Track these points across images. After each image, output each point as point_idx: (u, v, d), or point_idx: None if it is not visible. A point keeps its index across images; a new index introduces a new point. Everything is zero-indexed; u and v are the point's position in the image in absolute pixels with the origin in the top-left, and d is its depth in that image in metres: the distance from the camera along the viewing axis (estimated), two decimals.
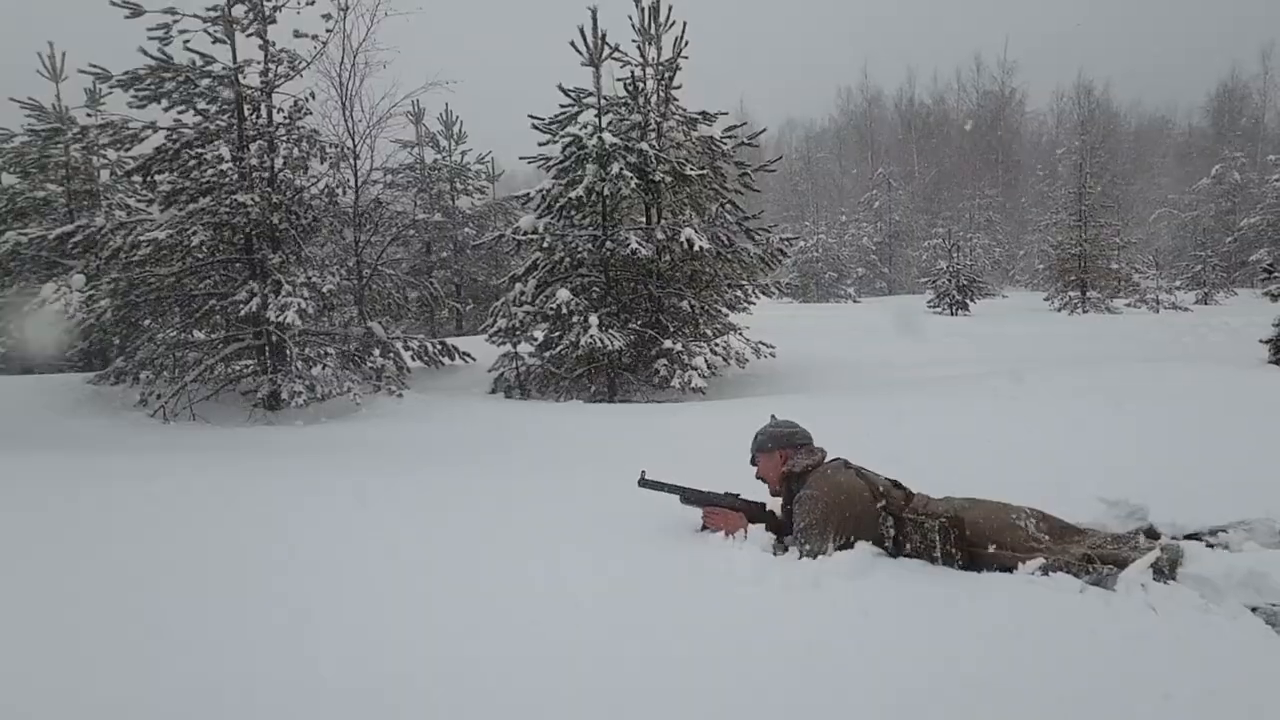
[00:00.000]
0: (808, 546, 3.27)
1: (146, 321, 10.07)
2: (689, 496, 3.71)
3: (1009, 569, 3.03)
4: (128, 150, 9.60)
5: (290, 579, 3.26)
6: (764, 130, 12.24)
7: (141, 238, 8.97)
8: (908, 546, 3.25)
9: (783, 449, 3.68)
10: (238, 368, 10.19)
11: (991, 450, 5.12)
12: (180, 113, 9.43)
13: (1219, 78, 54.76)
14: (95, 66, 9.25)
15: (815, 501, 3.34)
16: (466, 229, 19.64)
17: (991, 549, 3.10)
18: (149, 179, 9.62)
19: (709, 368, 10.09)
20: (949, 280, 26.04)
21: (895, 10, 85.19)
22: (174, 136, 9.32)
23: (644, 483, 3.75)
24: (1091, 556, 2.96)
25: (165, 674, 2.45)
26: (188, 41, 9.11)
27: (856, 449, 3.81)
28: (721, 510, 3.64)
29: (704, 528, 3.63)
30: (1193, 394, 6.79)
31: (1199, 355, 10.63)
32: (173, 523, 4.08)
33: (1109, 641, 2.52)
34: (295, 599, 3.04)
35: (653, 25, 10.94)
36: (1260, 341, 9.43)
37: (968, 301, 25.83)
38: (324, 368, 9.22)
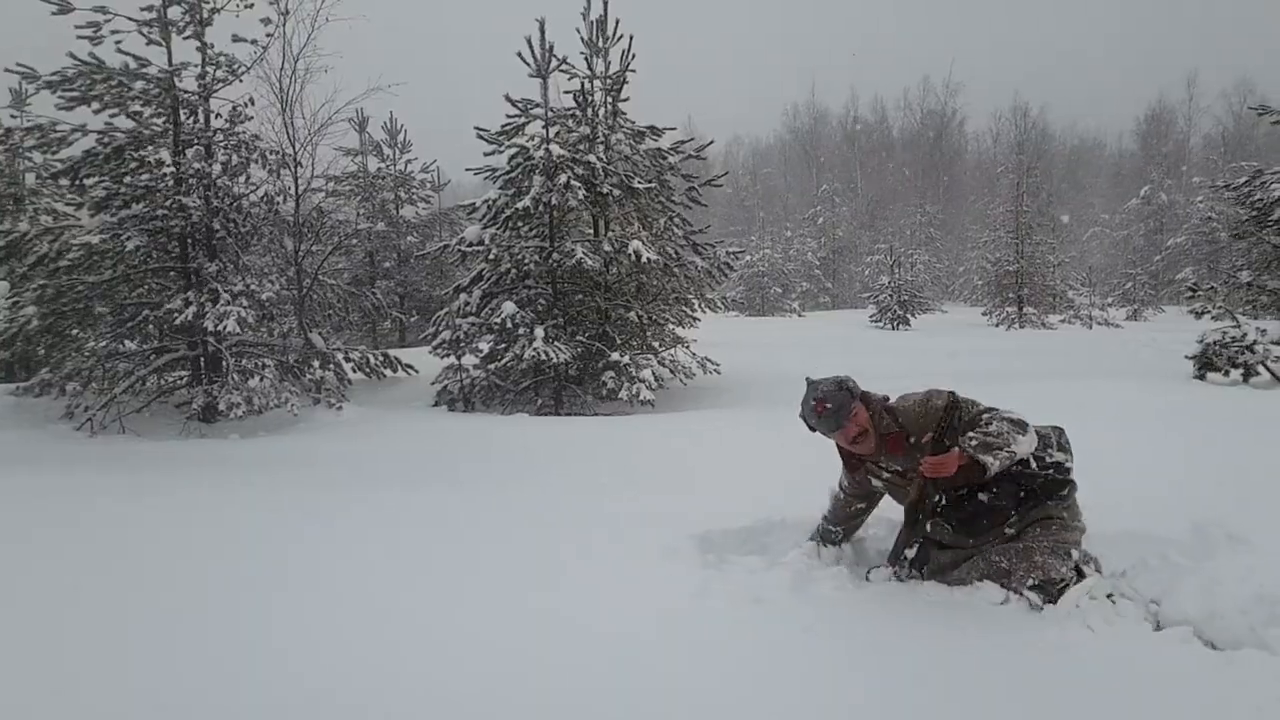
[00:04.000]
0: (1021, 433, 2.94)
1: (75, 331, 9.70)
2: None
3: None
4: (55, 153, 9.27)
5: (250, 596, 3.16)
6: (711, 143, 12.31)
7: (72, 242, 8.67)
8: None
9: (857, 395, 3.20)
10: (171, 379, 9.90)
11: None
12: (112, 115, 9.15)
13: (1148, 103, 56.79)
14: (21, 66, 8.92)
15: (972, 403, 3.15)
16: (411, 238, 19.42)
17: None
18: (78, 183, 9.31)
19: (656, 380, 10.09)
20: (891, 295, 26.47)
21: (841, 30, 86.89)
22: (105, 140, 9.04)
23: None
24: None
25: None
26: (120, 43, 8.86)
27: (803, 461, 3.83)
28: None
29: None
30: (1126, 409, 6.97)
31: (1128, 371, 10.95)
32: (110, 550, 3.93)
33: (1047, 658, 2.56)
34: (251, 617, 2.95)
35: (600, 38, 10.95)
36: (1186, 358, 9.75)
37: (909, 316, 26.28)
38: (262, 379, 8.99)
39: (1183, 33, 73.21)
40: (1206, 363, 9.50)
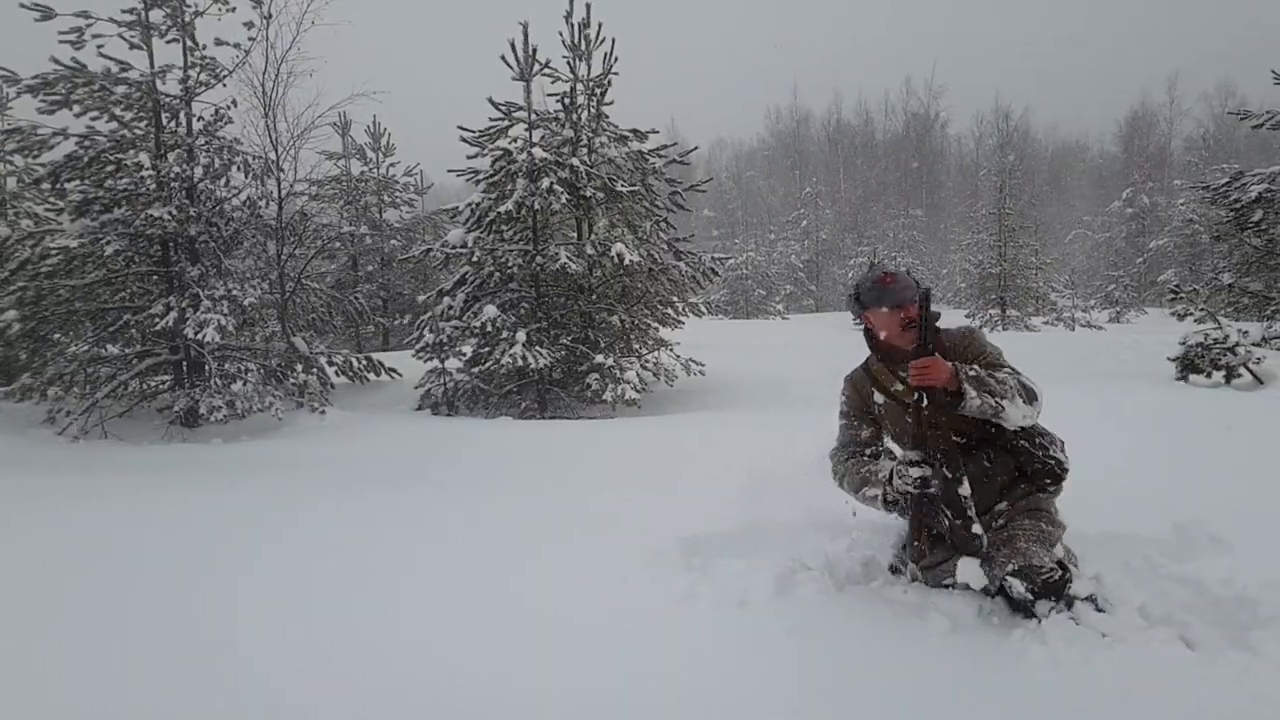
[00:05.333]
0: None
1: (56, 335, 9.61)
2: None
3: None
4: (36, 157, 9.19)
5: (242, 602, 3.13)
6: (695, 149, 12.32)
7: (50, 247, 8.60)
8: None
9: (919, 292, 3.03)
10: (153, 383, 9.83)
11: None
12: (94, 119, 9.08)
13: (1129, 106, 57.29)
14: (2, 69, 8.85)
15: (999, 352, 3.07)
16: (394, 242, 19.35)
17: None
18: (58, 187, 9.23)
19: (641, 382, 10.08)
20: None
21: (824, 33, 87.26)
22: (86, 144, 8.97)
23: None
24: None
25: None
26: (101, 47, 8.80)
27: (788, 463, 3.83)
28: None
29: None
30: (1108, 411, 7.01)
31: (1111, 373, 11.01)
32: (108, 551, 3.90)
33: (1029, 660, 2.56)
34: (246, 621, 2.92)
35: (583, 42, 10.95)
36: (1168, 359, 9.82)
37: None
38: (245, 384, 8.93)
39: (1163, 35, 74.01)
40: (1189, 365, 9.57)
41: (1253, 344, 9.51)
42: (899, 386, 3.11)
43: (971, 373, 2.78)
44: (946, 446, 2.86)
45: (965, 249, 32.17)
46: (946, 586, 3.00)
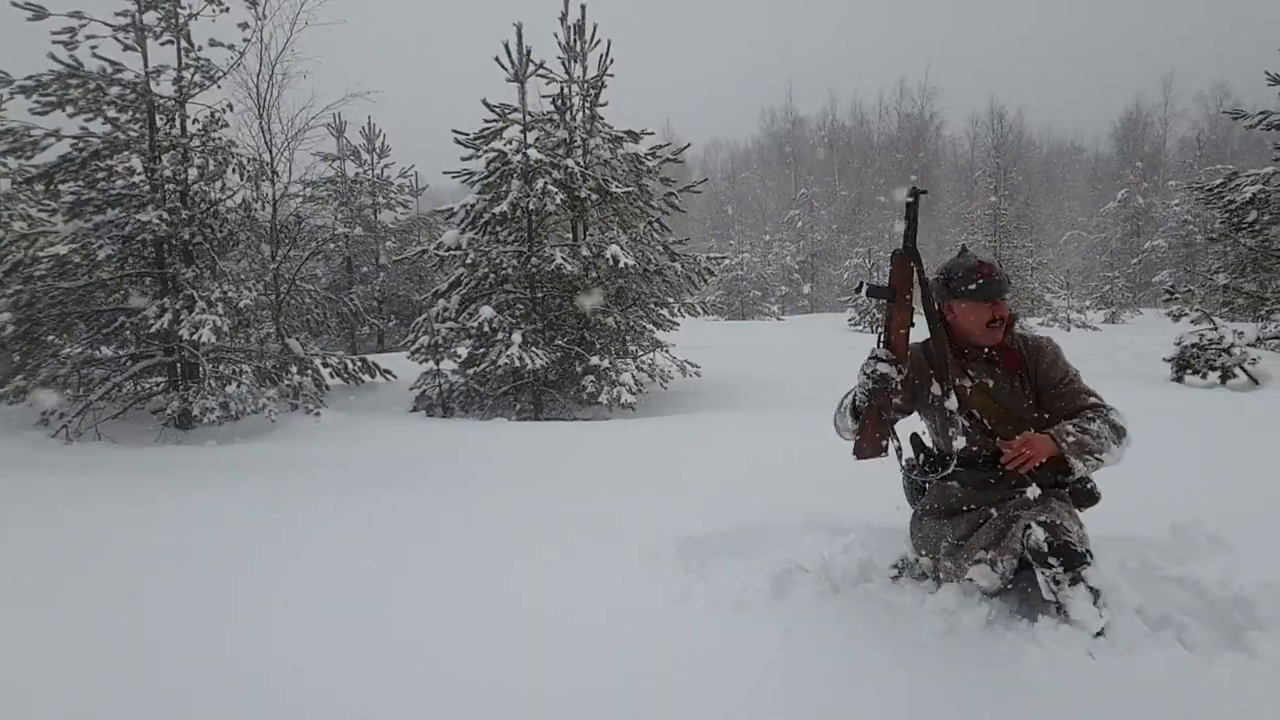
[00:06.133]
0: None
1: (50, 337, 9.57)
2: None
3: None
4: (29, 158, 9.15)
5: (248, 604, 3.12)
6: (688, 145, 12.30)
7: (39, 255, 8.57)
8: None
9: None
10: (147, 385, 9.80)
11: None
12: (87, 120, 9.04)
13: (1124, 106, 57.41)
14: None
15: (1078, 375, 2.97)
16: (389, 243, 19.33)
17: None
18: (52, 188, 9.20)
19: (636, 384, 10.07)
20: (878, 307, 26.58)
21: (820, 36, 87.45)
22: (80, 145, 8.94)
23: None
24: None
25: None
26: (95, 48, 8.77)
27: (784, 464, 3.82)
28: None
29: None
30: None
31: (1106, 373, 11.02)
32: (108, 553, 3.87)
33: (1026, 660, 2.55)
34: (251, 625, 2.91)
35: (578, 43, 10.94)
36: (1164, 360, 9.84)
37: None
38: (239, 385, 8.91)
39: (1159, 36, 74.24)
40: (1184, 365, 9.60)
41: (1248, 345, 9.54)
42: (965, 382, 2.93)
43: (1071, 439, 2.69)
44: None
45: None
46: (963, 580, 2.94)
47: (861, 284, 3.00)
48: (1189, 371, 9.56)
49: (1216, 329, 9.57)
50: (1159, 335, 13.55)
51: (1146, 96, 71.39)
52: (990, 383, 2.92)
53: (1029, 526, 2.69)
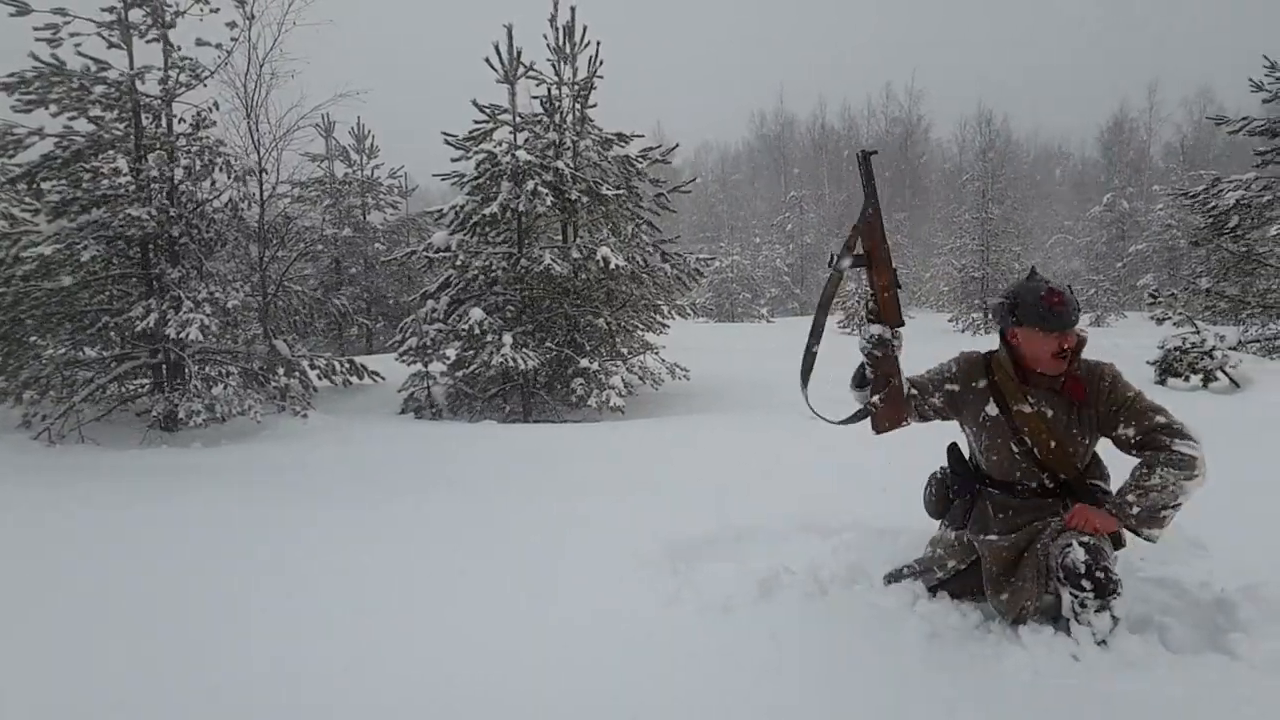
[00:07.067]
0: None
1: (33, 338, 9.48)
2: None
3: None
4: (11, 157, 9.05)
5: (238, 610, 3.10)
6: (677, 146, 12.29)
7: (22, 255, 8.49)
8: None
9: None
10: (132, 387, 9.72)
11: (901, 465, 5.22)
12: (71, 119, 8.97)
13: (1111, 112, 57.80)
14: None
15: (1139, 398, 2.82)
16: (378, 244, 19.25)
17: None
18: (34, 187, 9.11)
19: (626, 387, 10.07)
20: (858, 302, 26.69)
21: (810, 38, 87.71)
22: (64, 144, 8.87)
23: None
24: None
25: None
26: (79, 45, 8.69)
27: (774, 468, 3.83)
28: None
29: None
30: None
31: None
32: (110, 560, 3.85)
33: (1009, 665, 2.57)
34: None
35: (568, 45, 10.94)
36: (1147, 363, 9.91)
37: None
38: (225, 387, 8.85)
39: (1144, 42, 74.78)
40: (1167, 368, 9.67)
41: (1229, 348, 9.62)
42: (1024, 407, 2.82)
43: (1136, 510, 2.61)
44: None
45: (948, 253, 32.37)
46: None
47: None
48: (1172, 375, 9.64)
49: (1199, 332, 9.66)
50: (1143, 339, 13.64)
51: (1132, 101, 71.92)
52: (1050, 412, 2.81)
53: (1069, 545, 2.61)
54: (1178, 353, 9.60)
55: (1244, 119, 13.29)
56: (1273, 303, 12.94)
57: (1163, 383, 9.54)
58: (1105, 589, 2.55)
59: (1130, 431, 2.73)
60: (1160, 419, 2.70)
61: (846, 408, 3.06)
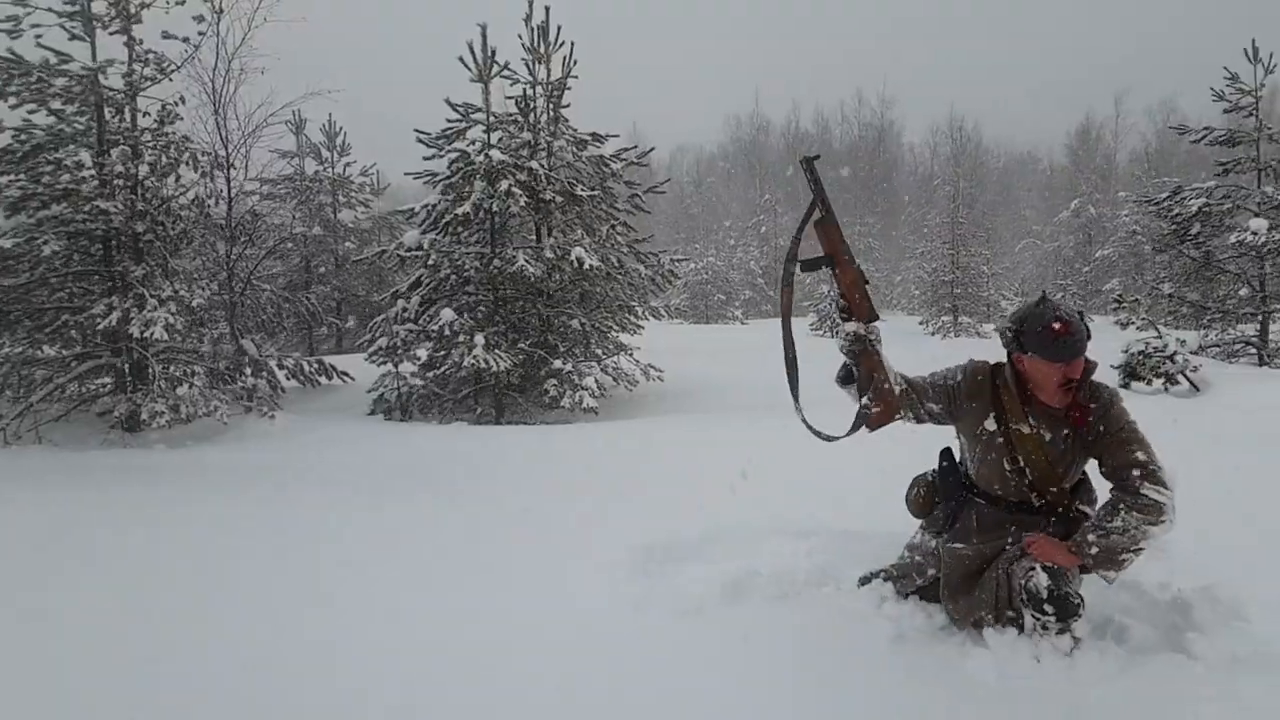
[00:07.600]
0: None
1: None
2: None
3: None
4: None
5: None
6: (652, 149, 12.32)
7: None
8: None
9: None
10: (92, 387, 9.54)
11: (876, 468, 5.24)
12: (31, 112, 8.78)
13: (1078, 120, 58.63)
14: None
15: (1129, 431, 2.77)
16: (349, 243, 19.08)
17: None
18: None
19: (599, 388, 10.05)
20: (831, 304, 26.86)
21: (784, 43, 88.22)
22: (22, 137, 8.69)
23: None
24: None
25: None
26: (40, 37, 8.52)
27: (745, 469, 3.83)
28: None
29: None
30: None
31: None
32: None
33: (971, 666, 2.59)
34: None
35: (542, 45, 10.90)
36: (1111, 367, 10.04)
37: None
38: (190, 387, 8.71)
39: (1110, 51, 75.94)
40: (1130, 372, 9.81)
41: (1190, 352, 9.77)
42: (1024, 428, 2.79)
43: (1095, 550, 2.60)
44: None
45: (919, 257, 32.67)
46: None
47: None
48: (1135, 379, 9.78)
49: (1161, 337, 9.81)
50: (1109, 342, 13.79)
51: (1098, 109, 73.00)
52: (1048, 435, 2.79)
53: (1033, 569, 2.63)
54: (1141, 357, 9.75)
55: (1205, 129, 13.54)
56: (1231, 308, 13.20)
57: (1126, 386, 9.68)
58: (1067, 611, 2.58)
59: (1109, 462, 2.74)
60: (1138, 455, 2.67)
61: (835, 407, 3.05)
